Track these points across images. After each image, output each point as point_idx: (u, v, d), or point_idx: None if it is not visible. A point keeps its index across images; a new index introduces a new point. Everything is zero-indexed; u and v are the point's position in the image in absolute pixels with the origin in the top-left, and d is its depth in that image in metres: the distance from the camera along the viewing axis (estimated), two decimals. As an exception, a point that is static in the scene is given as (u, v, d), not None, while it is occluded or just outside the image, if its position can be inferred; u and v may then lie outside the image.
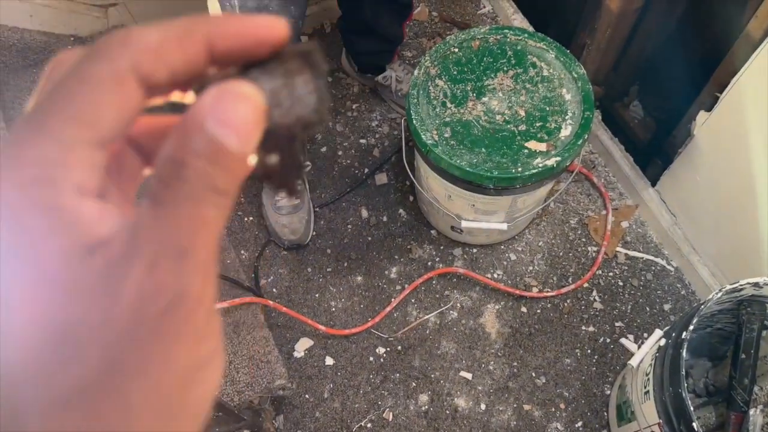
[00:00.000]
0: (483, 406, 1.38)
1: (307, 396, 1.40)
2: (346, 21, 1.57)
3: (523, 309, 1.48)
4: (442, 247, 1.56)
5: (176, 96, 0.21)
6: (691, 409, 0.90)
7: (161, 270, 0.17)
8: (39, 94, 0.19)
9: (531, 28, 1.74)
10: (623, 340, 1.43)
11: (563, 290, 1.48)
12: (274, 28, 0.21)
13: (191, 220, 0.17)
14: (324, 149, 1.69)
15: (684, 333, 0.95)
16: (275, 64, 0.21)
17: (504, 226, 1.35)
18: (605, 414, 1.37)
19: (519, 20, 1.79)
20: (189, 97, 0.21)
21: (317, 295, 1.51)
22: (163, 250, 0.17)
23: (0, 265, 0.17)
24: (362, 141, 1.70)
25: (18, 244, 0.17)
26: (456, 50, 1.28)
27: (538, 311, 1.48)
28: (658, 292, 1.49)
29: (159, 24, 0.19)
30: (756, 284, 0.99)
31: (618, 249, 1.54)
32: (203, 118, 0.17)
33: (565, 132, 1.19)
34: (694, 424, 0.89)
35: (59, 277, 0.17)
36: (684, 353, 0.94)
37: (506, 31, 1.29)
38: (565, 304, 1.48)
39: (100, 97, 0.18)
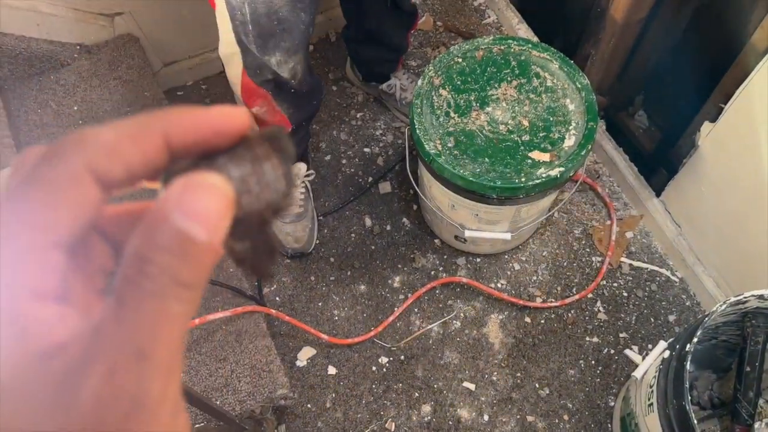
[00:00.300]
0: (486, 417, 1.37)
1: (309, 405, 1.40)
2: (351, 30, 1.58)
3: (527, 319, 1.48)
4: (445, 257, 1.55)
5: (147, 185, 0.21)
6: (695, 422, 0.90)
7: (119, 375, 0.16)
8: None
9: (535, 39, 1.74)
10: (627, 352, 1.42)
11: (567, 300, 1.48)
12: (232, 118, 0.20)
13: (153, 318, 0.17)
14: (328, 158, 1.70)
15: (688, 345, 0.95)
16: (243, 150, 0.21)
17: (508, 236, 1.35)
18: (609, 426, 1.36)
19: (524, 30, 1.79)
20: (159, 186, 0.21)
21: (320, 304, 1.51)
22: (121, 353, 0.17)
23: None
24: (366, 150, 1.71)
25: None
26: (460, 60, 1.28)
27: (542, 321, 1.47)
28: (663, 303, 1.48)
29: (115, 122, 0.19)
30: (761, 296, 0.98)
31: (622, 259, 1.54)
32: (169, 211, 0.17)
33: (569, 142, 1.18)
34: (699, 438, 0.88)
35: (13, 386, 0.17)
36: (688, 365, 0.93)
37: (510, 41, 1.29)
38: (569, 315, 1.48)
39: (55, 200, 0.18)
